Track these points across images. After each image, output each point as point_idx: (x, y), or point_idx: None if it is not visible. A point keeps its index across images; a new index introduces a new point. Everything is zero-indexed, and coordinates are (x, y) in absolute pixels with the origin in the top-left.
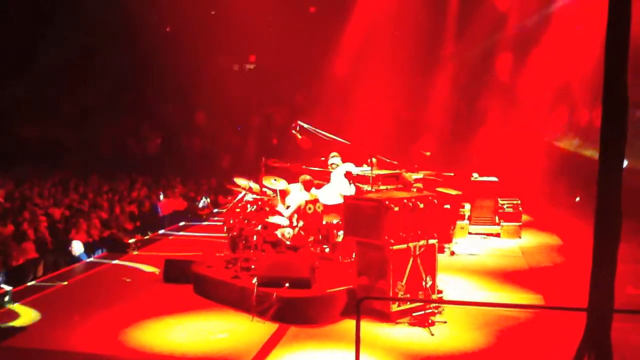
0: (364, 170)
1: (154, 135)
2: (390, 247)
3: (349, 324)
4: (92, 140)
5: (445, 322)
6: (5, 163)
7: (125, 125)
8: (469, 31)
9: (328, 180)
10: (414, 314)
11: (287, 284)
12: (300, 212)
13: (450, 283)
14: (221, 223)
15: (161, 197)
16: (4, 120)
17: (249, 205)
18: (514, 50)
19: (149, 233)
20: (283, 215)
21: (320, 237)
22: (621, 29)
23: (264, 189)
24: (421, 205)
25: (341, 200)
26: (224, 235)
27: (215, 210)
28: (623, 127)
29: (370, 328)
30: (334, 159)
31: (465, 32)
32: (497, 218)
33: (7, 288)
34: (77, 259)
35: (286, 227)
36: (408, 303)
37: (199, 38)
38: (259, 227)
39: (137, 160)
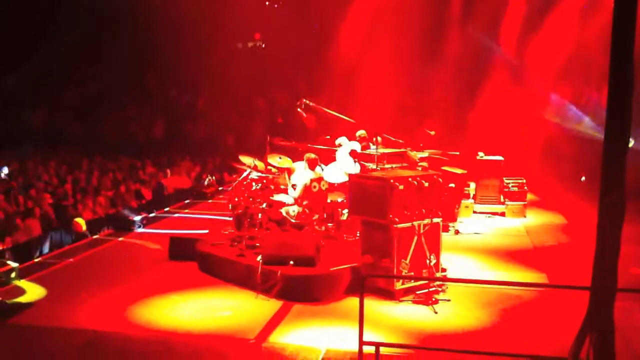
0: (369, 148)
1: (157, 118)
2: (395, 226)
3: (353, 301)
4: (97, 127)
5: (448, 301)
6: (10, 149)
7: (129, 111)
8: (473, 10)
9: (333, 159)
10: (417, 292)
11: (291, 262)
12: (305, 190)
13: (454, 262)
14: (226, 201)
15: (168, 173)
16: (8, 106)
17: (254, 184)
18: (520, 28)
19: (155, 211)
20: (289, 195)
21: (325, 216)
22: (629, 7)
23: (269, 167)
24: (426, 184)
25: (346, 179)
26: (229, 213)
27: (221, 189)
28: (628, 107)
29: (374, 306)
30: (342, 138)
31: (469, 12)
32: (502, 197)
33: (14, 264)
34: (82, 236)
35: (291, 205)
36: (412, 281)
37: (203, 19)
38: (264, 205)
39: (141, 145)
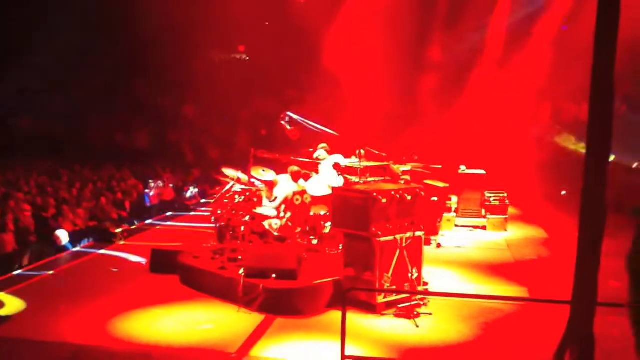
0: (352, 161)
1: (143, 128)
2: (377, 239)
3: (335, 315)
4: (84, 134)
5: (430, 314)
6: None
7: (116, 119)
8: (458, 24)
9: (316, 172)
10: (399, 306)
11: (273, 275)
12: (288, 203)
13: (436, 275)
14: (209, 213)
15: (152, 185)
16: None
17: (237, 196)
18: (502, 44)
19: (136, 223)
20: (270, 206)
21: (307, 229)
22: (610, 24)
23: (252, 180)
24: (408, 198)
25: (329, 192)
26: (211, 225)
27: (203, 201)
28: (609, 122)
29: (356, 319)
30: (320, 151)
31: (455, 26)
32: (483, 211)
33: None
34: (63, 249)
35: (274, 218)
36: (394, 295)
37: (189, 30)
38: (247, 218)
39: (127, 154)
